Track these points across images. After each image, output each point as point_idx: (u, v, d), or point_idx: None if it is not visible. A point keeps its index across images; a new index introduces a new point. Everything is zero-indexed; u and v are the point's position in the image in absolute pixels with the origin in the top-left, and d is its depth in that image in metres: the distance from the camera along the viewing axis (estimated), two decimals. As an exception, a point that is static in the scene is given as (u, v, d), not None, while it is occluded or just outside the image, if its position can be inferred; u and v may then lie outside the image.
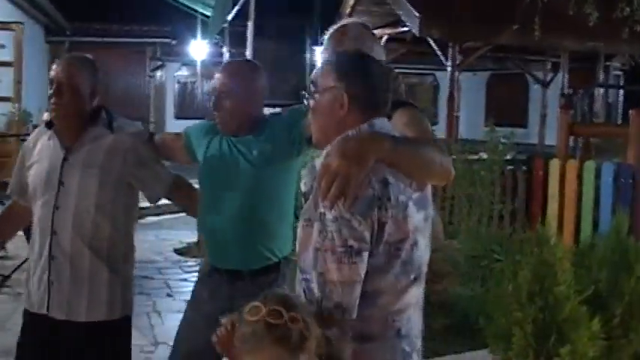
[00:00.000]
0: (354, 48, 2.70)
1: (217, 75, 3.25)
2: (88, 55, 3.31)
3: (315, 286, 2.09)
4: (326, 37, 2.97)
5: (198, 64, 20.05)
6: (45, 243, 3.14)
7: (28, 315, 3.27)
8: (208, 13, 16.28)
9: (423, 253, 2.27)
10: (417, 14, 11.20)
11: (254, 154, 3.15)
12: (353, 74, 2.24)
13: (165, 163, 3.45)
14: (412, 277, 2.22)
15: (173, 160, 3.48)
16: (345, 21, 3.03)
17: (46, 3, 15.48)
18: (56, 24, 17.60)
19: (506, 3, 11.49)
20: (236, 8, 13.87)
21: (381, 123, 2.25)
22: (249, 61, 3.44)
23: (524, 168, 8.59)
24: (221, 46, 18.14)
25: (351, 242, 2.06)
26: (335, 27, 2.97)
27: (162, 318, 6.50)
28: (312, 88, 2.29)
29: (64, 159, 3.15)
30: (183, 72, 23.59)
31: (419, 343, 2.32)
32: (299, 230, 2.21)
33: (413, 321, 2.27)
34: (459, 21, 11.51)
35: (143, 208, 10.66)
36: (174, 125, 20.51)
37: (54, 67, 3.17)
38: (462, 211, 8.88)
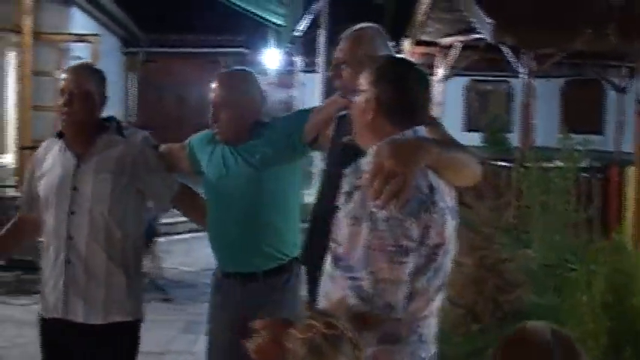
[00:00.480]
0: (369, 52, 2.83)
1: (212, 87, 3.31)
2: (92, 64, 3.40)
3: (365, 284, 2.12)
4: (342, 36, 3.02)
5: (271, 72, 20.21)
6: (60, 248, 3.20)
7: (43, 320, 3.33)
8: (281, 22, 16.40)
9: (449, 262, 2.29)
10: (490, 21, 11.08)
11: (256, 158, 3.20)
12: (387, 82, 2.28)
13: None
14: (439, 283, 2.25)
15: (177, 169, 3.51)
16: (362, 25, 3.07)
17: (123, 15, 15.77)
18: (132, 35, 17.91)
19: (579, 8, 11.30)
20: (308, 17, 13.96)
21: (421, 131, 2.31)
22: (241, 69, 3.48)
23: (599, 175, 8.45)
24: (292, 55, 18.26)
25: (402, 242, 2.10)
26: (352, 29, 3.03)
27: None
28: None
29: (77, 166, 3.22)
30: (257, 81, 23.75)
31: (433, 349, 2.33)
32: (345, 229, 2.22)
33: (432, 327, 2.30)
34: (531, 27, 11.35)
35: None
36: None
37: (62, 76, 3.25)
38: (537, 219, 8.76)
